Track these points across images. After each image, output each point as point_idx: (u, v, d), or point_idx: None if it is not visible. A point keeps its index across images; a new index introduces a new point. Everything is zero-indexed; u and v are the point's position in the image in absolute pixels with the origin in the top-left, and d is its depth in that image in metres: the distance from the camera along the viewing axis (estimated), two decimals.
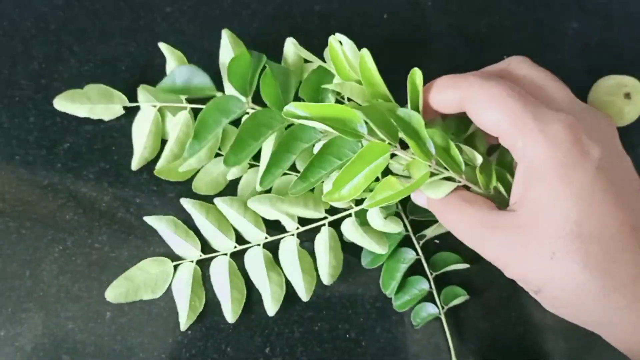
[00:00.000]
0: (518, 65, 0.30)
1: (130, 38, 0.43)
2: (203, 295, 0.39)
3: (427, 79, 0.44)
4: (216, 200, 0.39)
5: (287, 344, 0.39)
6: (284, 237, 0.39)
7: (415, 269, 0.40)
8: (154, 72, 0.42)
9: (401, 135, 0.31)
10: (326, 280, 0.38)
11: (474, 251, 0.41)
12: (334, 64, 0.36)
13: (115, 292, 0.38)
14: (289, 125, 0.36)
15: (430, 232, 0.40)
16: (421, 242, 0.40)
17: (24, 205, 0.40)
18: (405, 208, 0.41)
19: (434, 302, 0.40)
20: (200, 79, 0.38)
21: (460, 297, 0.39)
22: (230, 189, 0.40)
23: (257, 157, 0.39)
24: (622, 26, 0.46)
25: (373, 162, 0.30)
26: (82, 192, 0.40)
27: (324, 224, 0.39)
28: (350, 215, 0.38)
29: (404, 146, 0.31)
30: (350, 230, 0.38)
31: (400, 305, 0.39)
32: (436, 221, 0.40)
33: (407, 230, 0.40)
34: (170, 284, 0.39)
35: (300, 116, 0.31)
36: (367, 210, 0.37)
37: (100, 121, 0.41)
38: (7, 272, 0.39)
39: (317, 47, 0.43)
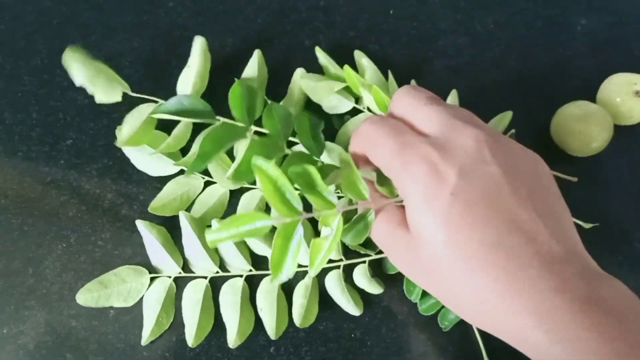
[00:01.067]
0: (399, 97, 0.32)
1: (134, 33, 0.42)
2: (172, 313, 0.38)
3: (433, 76, 0.43)
4: (213, 222, 0.38)
5: (292, 343, 0.39)
6: (269, 274, 0.39)
7: None
8: (157, 68, 0.42)
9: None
10: (298, 322, 0.38)
11: None
12: (350, 83, 0.39)
13: (86, 296, 0.37)
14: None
15: None
16: None
17: (26, 202, 0.40)
18: None
19: None
20: (200, 107, 0.38)
21: None
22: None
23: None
24: (631, 23, 0.45)
25: (293, 239, 0.30)
26: (86, 189, 0.40)
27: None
28: (338, 267, 0.39)
29: None
30: (334, 283, 0.39)
31: (426, 309, 0.39)
32: None
33: None
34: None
35: (222, 239, 0.30)
36: (355, 266, 0.39)
37: (103, 117, 0.41)
38: (9, 269, 0.39)
39: (322, 42, 0.43)
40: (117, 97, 0.39)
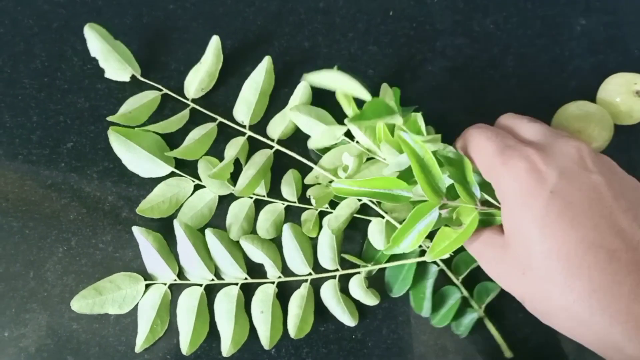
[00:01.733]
0: (503, 117, 0.35)
1: (133, 36, 0.42)
2: (167, 321, 0.38)
3: (432, 77, 0.43)
4: (207, 231, 0.38)
5: (293, 344, 0.39)
6: (264, 282, 0.39)
7: (441, 281, 0.39)
8: (157, 70, 0.42)
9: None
10: (293, 333, 0.38)
11: None
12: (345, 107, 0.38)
13: (81, 303, 0.37)
14: None
15: None
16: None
17: (27, 205, 0.40)
18: None
19: (469, 306, 0.39)
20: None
21: (494, 292, 0.38)
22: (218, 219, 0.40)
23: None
24: (630, 23, 0.45)
25: (424, 219, 0.33)
26: (86, 192, 0.40)
27: (305, 280, 0.39)
28: (334, 277, 0.39)
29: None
30: (329, 293, 0.38)
31: (440, 320, 0.38)
32: None
33: (420, 245, 0.39)
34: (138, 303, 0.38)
35: (351, 191, 0.35)
36: (351, 276, 0.39)
37: (103, 120, 0.41)
38: (10, 272, 0.39)
39: (321, 44, 0.43)
40: (125, 77, 0.40)
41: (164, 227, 0.39)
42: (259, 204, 0.40)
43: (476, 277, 0.40)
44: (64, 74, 0.42)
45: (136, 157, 0.39)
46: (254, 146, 0.41)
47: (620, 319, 0.25)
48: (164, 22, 0.43)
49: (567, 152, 0.29)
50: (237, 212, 0.39)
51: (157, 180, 0.40)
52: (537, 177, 0.28)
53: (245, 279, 0.39)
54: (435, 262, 0.39)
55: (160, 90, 0.40)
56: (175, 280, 0.39)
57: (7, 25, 0.42)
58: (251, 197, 0.40)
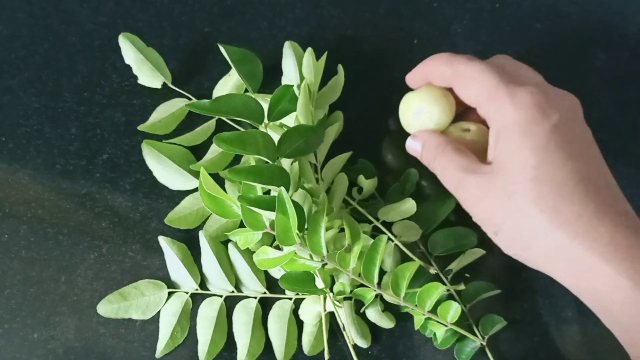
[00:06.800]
0: (500, 58, 0.36)
1: (170, 56, 0.44)
2: (187, 328, 0.39)
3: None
4: (230, 245, 0.40)
5: (310, 358, 0.39)
6: (282, 298, 0.40)
7: None
8: (193, 89, 0.44)
9: None
10: (307, 349, 0.39)
11: (506, 276, 0.41)
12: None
13: (107, 307, 0.38)
14: None
15: (455, 265, 0.40)
16: (449, 276, 0.40)
17: (62, 212, 0.41)
18: (427, 246, 0.41)
19: (474, 334, 0.39)
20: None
21: (499, 324, 0.39)
22: None
23: None
24: None
25: None
26: (119, 202, 0.42)
27: (324, 298, 0.39)
28: (350, 299, 0.39)
29: None
30: (345, 312, 0.39)
31: (442, 343, 0.38)
32: (459, 253, 0.40)
33: (434, 267, 0.40)
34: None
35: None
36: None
37: (138, 135, 0.42)
38: (43, 276, 0.40)
39: (347, 68, 0.44)
40: (157, 84, 0.43)
41: (190, 238, 0.41)
42: None
43: (484, 307, 0.40)
44: (103, 90, 0.44)
45: (167, 170, 0.41)
46: None
47: (601, 242, 0.28)
48: (200, 43, 0.45)
49: (566, 101, 0.32)
50: None
51: (185, 193, 0.41)
52: (542, 111, 0.30)
53: (265, 293, 0.40)
54: (445, 285, 0.39)
55: (189, 99, 0.43)
56: (197, 289, 0.40)
57: (52, 41, 0.45)
58: None
